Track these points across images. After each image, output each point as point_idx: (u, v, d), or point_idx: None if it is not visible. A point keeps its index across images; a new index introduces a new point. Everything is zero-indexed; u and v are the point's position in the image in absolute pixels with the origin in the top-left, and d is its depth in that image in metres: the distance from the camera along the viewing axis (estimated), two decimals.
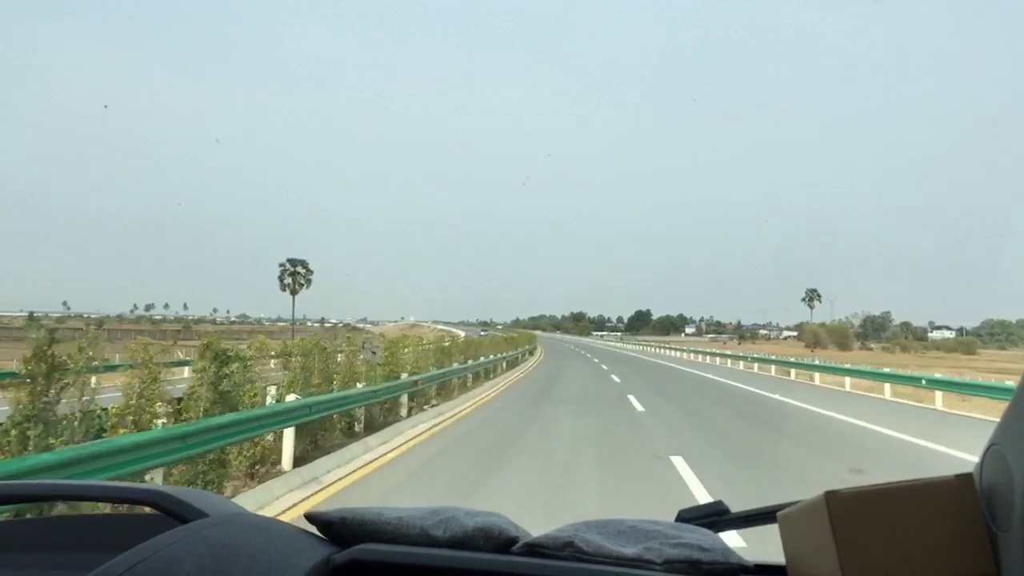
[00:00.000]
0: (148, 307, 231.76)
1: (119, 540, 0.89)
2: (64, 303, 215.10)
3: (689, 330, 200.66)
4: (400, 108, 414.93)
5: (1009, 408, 0.75)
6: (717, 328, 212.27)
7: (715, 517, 1.06)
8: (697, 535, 0.92)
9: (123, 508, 1.06)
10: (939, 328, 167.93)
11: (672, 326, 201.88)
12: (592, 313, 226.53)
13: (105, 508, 2.39)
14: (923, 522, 0.75)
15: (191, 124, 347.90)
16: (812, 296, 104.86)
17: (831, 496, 0.77)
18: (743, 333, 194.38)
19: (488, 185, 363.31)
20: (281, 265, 67.45)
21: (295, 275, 66.88)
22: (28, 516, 1.04)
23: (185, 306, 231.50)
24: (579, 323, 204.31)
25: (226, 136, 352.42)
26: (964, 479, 0.77)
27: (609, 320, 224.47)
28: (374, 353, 14.62)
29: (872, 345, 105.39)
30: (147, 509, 0.97)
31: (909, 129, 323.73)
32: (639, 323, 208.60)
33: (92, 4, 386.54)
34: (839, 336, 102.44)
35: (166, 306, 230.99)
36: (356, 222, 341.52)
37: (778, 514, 0.93)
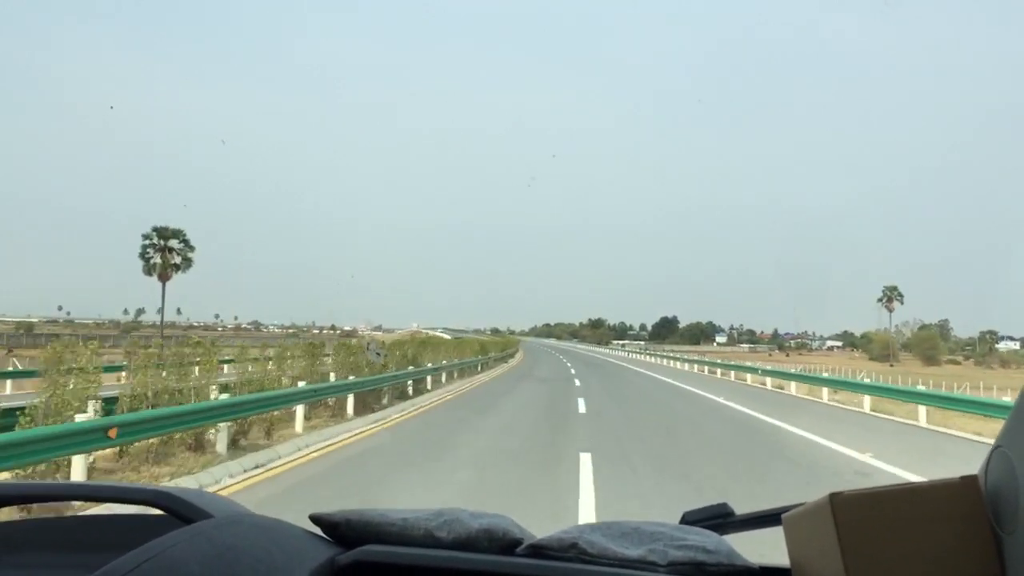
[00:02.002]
0: (139, 311, 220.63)
1: (124, 540, 0.88)
2: (60, 307, 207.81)
3: (720, 339, 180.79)
4: (412, 114, 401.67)
5: (1014, 411, 0.74)
6: (750, 337, 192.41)
7: (720, 519, 1.05)
8: (701, 537, 0.91)
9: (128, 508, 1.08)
10: (1003, 339, 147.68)
11: (702, 334, 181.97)
12: (613, 320, 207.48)
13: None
14: (928, 524, 0.74)
15: (197, 127, 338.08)
16: (891, 295, 78.76)
17: (835, 498, 0.76)
18: (781, 343, 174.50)
19: (503, 191, 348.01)
20: (145, 237, 41.54)
21: (166, 252, 41.11)
22: (32, 516, 1.04)
23: (179, 311, 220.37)
24: (598, 330, 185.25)
25: (232, 141, 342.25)
26: (969, 481, 0.76)
27: (631, 328, 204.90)
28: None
29: (953, 359, 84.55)
30: (152, 510, 0.96)
31: (931, 133, 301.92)
32: (664, 331, 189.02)
33: (98, 5, 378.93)
34: (925, 346, 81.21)
35: (158, 311, 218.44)
36: (371, 229, 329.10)
37: (783, 516, 0.91)
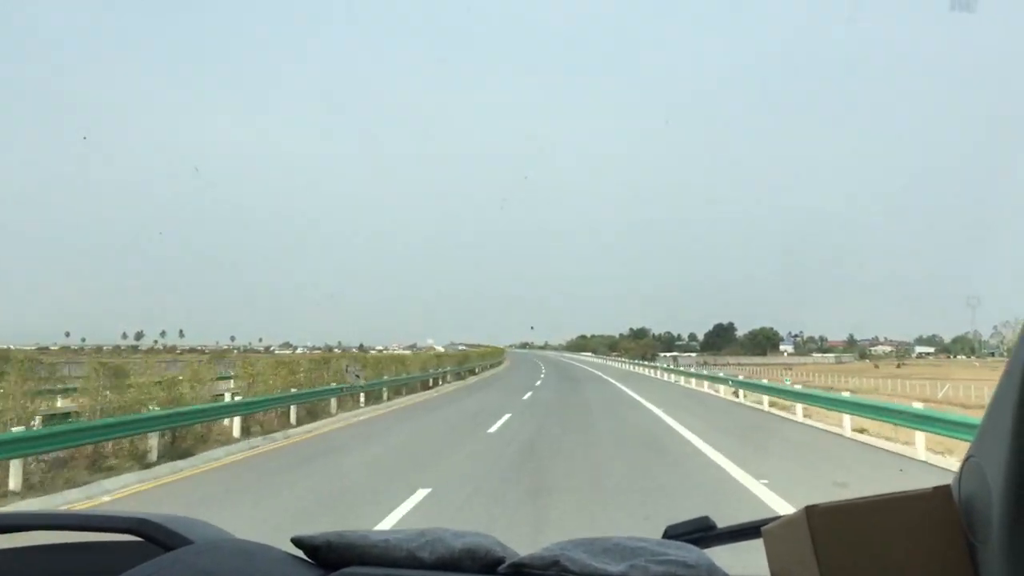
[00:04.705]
0: (139, 335, 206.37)
1: (102, 569, 0.88)
2: (67, 333, 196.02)
3: (786, 348, 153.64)
4: (424, 124, 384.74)
5: (984, 420, 0.74)
6: (821, 345, 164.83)
7: (701, 533, 1.06)
8: (683, 551, 0.90)
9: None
10: None
11: (768, 342, 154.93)
12: (658, 329, 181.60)
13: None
14: (903, 535, 0.74)
15: (192, 144, 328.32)
16: None
17: (811, 510, 0.77)
18: (864, 351, 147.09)
19: (528, 198, 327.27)
20: None
21: None
22: (10, 546, 1.09)
23: (181, 333, 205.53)
24: (640, 341, 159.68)
25: (258, 161, 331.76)
26: (942, 491, 0.76)
27: (679, 337, 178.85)
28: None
29: None
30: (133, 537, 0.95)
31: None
32: (719, 340, 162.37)
33: (82, 25, 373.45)
34: None
35: (163, 334, 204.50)
36: (402, 250, 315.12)
37: (762, 529, 0.93)
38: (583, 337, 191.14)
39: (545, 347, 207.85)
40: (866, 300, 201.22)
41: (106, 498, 8.35)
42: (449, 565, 0.89)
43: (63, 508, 5.81)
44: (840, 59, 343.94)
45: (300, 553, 0.94)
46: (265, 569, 0.84)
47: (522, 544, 1.02)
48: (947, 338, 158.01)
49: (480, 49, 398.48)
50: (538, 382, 32.32)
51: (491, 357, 57.45)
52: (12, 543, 1.08)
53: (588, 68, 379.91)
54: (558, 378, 37.87)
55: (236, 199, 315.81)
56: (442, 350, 63.64)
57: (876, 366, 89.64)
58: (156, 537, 0.90)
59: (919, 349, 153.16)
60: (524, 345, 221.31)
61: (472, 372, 41.20)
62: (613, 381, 33.21)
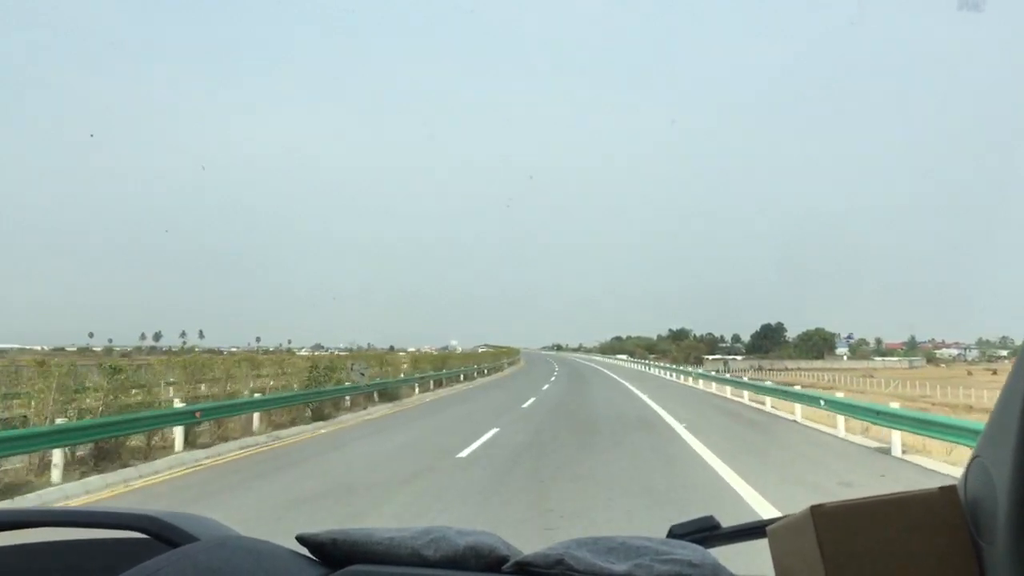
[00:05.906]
0: (157, 336, 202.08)
1: (107, 566, 0.89)
2: (91, 334, 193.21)
3: (842, 351, 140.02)
4: (451, 126, 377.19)
5: (990, 420, 0.74)
6: (878, 348, 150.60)
7: (706, 532, 1.06)
8: (687, 551, 0.90)
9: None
10: None
11: (824, 344, 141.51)
12: (698, 330, 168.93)
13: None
14: (909, 535, 0.74)
15: (214, 145, 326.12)
16: None
17: (817, 510, 0.76)
18: (931, 354, 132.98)
19: (557, 198, 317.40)
20: None
21: None
22: (16, 542, 1.11)
23: (201, 334, 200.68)
24: (681, 342, 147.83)
25: (283, 163, 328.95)
26: (948, 491, 0.76)
27: (723, 339, 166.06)
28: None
29: None
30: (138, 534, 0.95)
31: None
32: (767, 342, 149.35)
33: (84, 29, 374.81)
34: None
35: (183, 334, 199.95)
36: (438, 253, 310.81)
37: (767, 529, 0.92)
38: (618, 339, 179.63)
39: (579, 348, 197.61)
40: (920, 301, 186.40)
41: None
42: (453, 563, 0.89)
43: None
44: (889, 51, 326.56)
45: (305, 551, 0.94)
46: (270, 566, 0.84)
47: (527, 544, 1.00)
48: (1017, 339, 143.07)
49: (488, 51, 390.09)
50: (490, 432, 13.36)
51: (482, 360, 47.19)
52: (18, 540, 1.06)
53: (607, 68, 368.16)
54: (556, 411, 18.99)
55: (266, 204, 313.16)
56: (460, 350, 64.34)
57: (969, 372, 77.07)
58: (162, 534, 0.90)
59: (1000, 352, 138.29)
60: (556, 347, 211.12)
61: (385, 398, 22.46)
62: (681, 432, 13.82)
